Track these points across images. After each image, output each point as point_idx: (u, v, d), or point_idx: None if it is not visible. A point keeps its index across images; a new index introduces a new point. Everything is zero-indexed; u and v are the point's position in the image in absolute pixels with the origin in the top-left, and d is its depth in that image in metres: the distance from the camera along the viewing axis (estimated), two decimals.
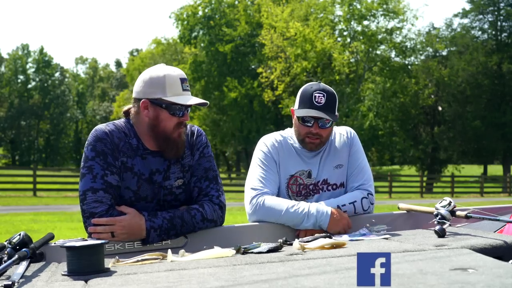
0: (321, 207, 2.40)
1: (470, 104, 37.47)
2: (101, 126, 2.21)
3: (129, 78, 47.90)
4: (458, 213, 2.17)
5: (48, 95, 59.64)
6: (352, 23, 31.50)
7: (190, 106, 2.19)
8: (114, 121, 2.27)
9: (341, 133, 2.68)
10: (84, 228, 2.16)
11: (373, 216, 2.52)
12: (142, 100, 2.17)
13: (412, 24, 38.39)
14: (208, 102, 2.26)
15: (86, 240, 1.90)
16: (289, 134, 2.66)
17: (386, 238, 2.14)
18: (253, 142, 37.07)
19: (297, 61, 29.01)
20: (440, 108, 40.14)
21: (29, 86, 60.28)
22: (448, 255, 1.66)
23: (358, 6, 30.81)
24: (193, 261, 1.82)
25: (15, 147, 59.61)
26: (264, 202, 2.44)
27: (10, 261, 1.64)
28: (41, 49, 61.29)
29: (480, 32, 40.81)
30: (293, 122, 2.61)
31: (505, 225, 2.38)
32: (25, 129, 60.18)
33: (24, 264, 1.74)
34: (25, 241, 1.85)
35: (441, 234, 2.06)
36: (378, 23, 31.17)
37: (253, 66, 36.46)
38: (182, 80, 2.18)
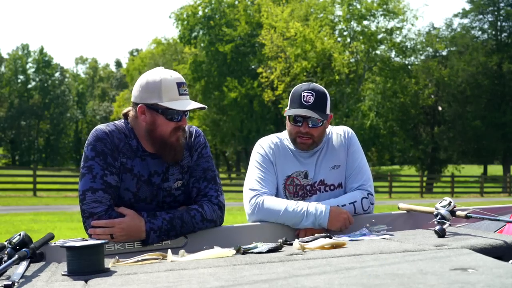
0: (319, 206, 2.40)
1: (470, 104, 37.48)
2: (101, 126, 2.21)
3: (129, 78, 47.91)
4: (458, 213, 2.17)
5: (48, 95, 59.65)
6: (352, 23, 31.50)
7: (187, 110, 2.19)
8: (115, 122, 2.27)
9: (338, 133, 2.67)
10: (84, 228, 2.16)
11: (373, 216, 2.52)
12: (139, 105, 2.17)
13: (412, 24, 38.39)
14: (206, 106, 2.26)
15: (86, 240, 1.90)
16: (286, 135, 2.68)
17: (386, 238, 2.14)
18: (253, 142, 36.51)
19: (297, 61, 29.02)
20: (440, 108, 40.15)
21: (29, 86, 60.30)
22: (448, 255, 1.66)
23: (358, 6, 30.82)
24: (193, 261, 1.82)
25: (15, 147, 59.63)
26: (263, 202, 2.45)
27: (10, 261, 1.64)
28: (41, 49, 61.32)
29: (480, 32, 40.82)
30: (286, 122, 2.62)
31: (505, 225, 2.38)
32: (25, 129, 60.19)
33: (24, 264, 1.74)
34: (25, 241, 1.85)
35: (441, 234, 2.06)
36: (378, 23, 31.19)
37: (253, 66, 36.47)
38: (179, 85, 2.17)
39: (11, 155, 60.18)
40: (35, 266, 1.84)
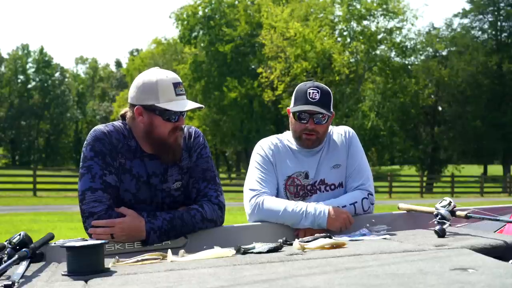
0: (319, 206, 2.40)
1: (470, 104, 37.49)
2: (100, 127, 2.21)
3: (129, 78, 47.92)
4: (458, 213, 2.17)
5: (48, 95, 59.66)
6: (351, 23, 31.51)
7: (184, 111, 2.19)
8: (113, 123, 2.27)
9: (339, 132, 2.68)
10: (84, 228, 2.16)
11: (373, 216, 2.52)
12: (136, 106, 2.17)
13: (412, 24, 38.33)
14: (203, 106, 2.25)
15: (86, 240, 1.91)
16: (287, 136, 2.69)
17: (386, 238, 2.14)
18: (253, 142, 36.58)
19: (297, 61, 29.03)
20: (440, 108, 40.16)
21: (29, 86, 60.31)
22: (448, 255, 1.66)
23: (358, 6, 30.82)
24: (193, 261, 1.82)
25: (15, 147, 59.64)
26: (263, 202, 2.45)
27: (10, 261, 1.64)
28: (41, 49, 61.34)
29: (480, 32, 40.84)
30: (290, 121, 2.63)
31: (505, 225, 2.38)
32: (25, 129, 60.20)
33: (24, 264, 1.74)
34: (25, 241, 1.85)
35: (441, 234, 2.06)
36: (377, 23, 31.19)
37: (253, 66, 36.47)
38: (176, 85, 2.17)
39: (11, 155, 60.19)
40: (35, 266, 1.84)
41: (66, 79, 66.72)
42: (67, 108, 61.83)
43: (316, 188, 2.58)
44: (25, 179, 22.87)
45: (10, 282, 1.48)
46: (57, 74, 63.95)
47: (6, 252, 1.79)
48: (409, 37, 32.06)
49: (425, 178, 29.85)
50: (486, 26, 40.52)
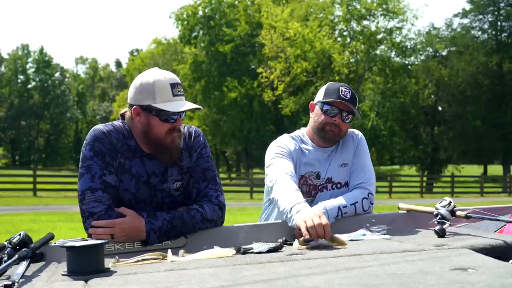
0: (299, 206, 2.28)
1: (470, 104, 37.48)
2: (99, 126, 2.21)
3: (129, 78, 47.93)
4: (458, 213, 2.17)
5: (48, 95, 59.67)
6: (351, 23, 31.51)
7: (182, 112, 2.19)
8: (113, 122, 2.26)
9: (349, 134, 2.74)
10: (84, 228, 2.15)
11: (373, 216, 2.52)
12: (134, 107, 2.17)
13: (412, 24, 38.29)
14: (201, 107, 2.25)
15: (86, 240, 1.90)
16: (300, 135, 2.72)
17: (386, 238, 2.14)
18: (253, 142, 37.16)
19: (297, 61, 29.03)
20: (440, 108, 40.16)
21: (29, 86, 60.32)
22: (448, 255, 1.66)
23: (358, 6, 30.81)
24: (193, 261, 1.82)
25: (15, 147, 59.65)
26: (277, 181, 2.44)
27: (10, 261, 1.64)
28: (41, 49, 61.34)
29: (480, 32, 40.83)
30: (313, 114, 2.65)
31: (505, 225, 2.38)
32: (25, 129, 60.21)
33: (24, 264, 1.74)
34: (25, 241, 1.85)
35: (441, 234, 2.06)
36: (377, 23, 31.18)
37: (253, 66, 36.47)
38: (173, 85, 2.16)
39: (11, 155, 60.19)
40: (35, 266, 1.84)
41: (66, 79, 66.73)
42: (67, 108, 61.84)
43: (323, 186, 2.62)
44: (25, 179, 22.87)
45: (10, 282, 1.48)
46: (57, 74, 63.96)
47: (6, 252, 1.79)
48: (409, 37, 32.07)
49: (425, 178, 29.85)
50: (486, 26, 40.51)
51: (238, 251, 1.93)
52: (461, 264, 1.48)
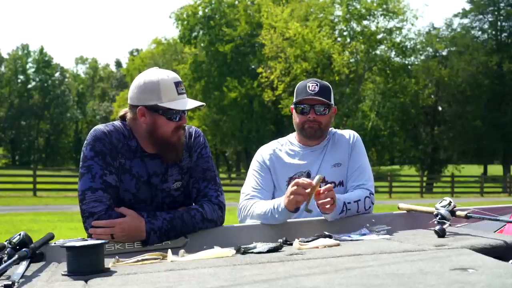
0: (278, 200, 2.38)
1: (470, 104, 37.50)
2: (100, 127, 2.21)
3: (129, 78, 47.94)
4: (458, 213, 2.17)
5: (48, 95, 59.68)
6: (351, 23, 31.51)
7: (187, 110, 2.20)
8: (113, 122, 2.26)
9: (343, 134, 2.74)
10: (84, 228, 2.15)
11: (373, 216, 2.52)
12: (139, 107, 2.17)
13: (412, 24, 38.33)
14: (204, 103, 2.26)
15: (86, 240, 1.90)
16: (289, 138, 2.78)
17: (386, 238, 2.14)
18: (253, 142, 37.10)
19: (297, 61, 29.03)
20: (440, 108, 40.16)
21: (29, 86, 60.33)
22: (448, 255, 1.66)
23: (358, 6, 30.82)
24: (193, 261, 1.82)
25: (15, 147, 59.65)
26: (251, 205, 2.52)
27: (10, 261, 1.64)
28: (41, 49, 61.34)
29: (480, 32, 40.85)
30: (293, 117, 2.72)
31: (505, 225, 2.38)
32: (25, 129, 60.21)
33: (24, 264, 1.74)
34: (25, 241, 1.85)
35: (441, 234, 2.06)
36: (377, 23, 31.19)
37: (253, 66, 36.47)
38: (177, 84, 2.17)
39: (11, 155, 60.19)
40: (35, 266, 1.84)
41: (66, 79, 66.74)
42: (67, 108, 61.84)
43: None
44: (25, 179, 22.87)
45: (10, 282, 1.48)
46: (57, 74, 63.96)
47: (6, 252, 1.79)
48: (409, 37, 32.08)
49: (425, 178, 29.86)
50: (486, 26, 40.53)
51: (238, 251, 1.93)
52: (461, 264, 1.48)
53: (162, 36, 64.20)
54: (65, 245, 1.69)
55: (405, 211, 2.59)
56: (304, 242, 2.01)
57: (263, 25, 32.12)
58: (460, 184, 32.00)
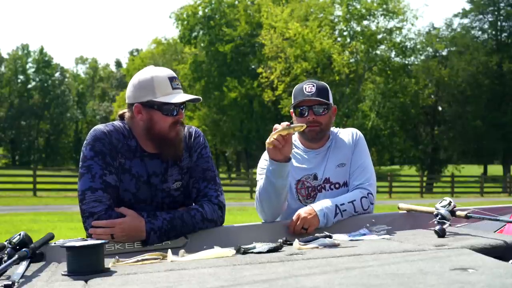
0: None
1: (470, 104, 37.49)
2: (100, 127, 2.21)
3: (129, 78, 47.84)
4: (458, 213, 2.17)
5: (48, 95, 59.67)
6: (351, 23, 31.51)
7: (183, 103, 2.19)
8: (113, 122, 2.26)
9: (346, 133, 2.72)
10: (84, 228, 2.15)
11: (373, 216, 2.52)
12: (135, 105, 2.17)
13: (412, 24, 38.32)
14: (200, 97, 2.26)
15: (86, 240, 1.90)
16: (293, 141, 2.73)
17: (386, 238, 2.14)
18: (253, 142, 37.14)
19: (297, 61, 29.03)
20: (440, 108, 40.16)
21: (29, 86, 60.32)
22: (448, 255, 1.66)
23: (358, 6, 30.82)
24: (193, 261, 1.82)
25: (15, 147, 59.64)
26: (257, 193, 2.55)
27: (10, 261, 1.64)
28: (41, 49, 61.34)
29: (480, 32, 40.84)
30: (293, 120, 2.68)
31: (505, 225, 2.38)
32: (25, 129, 60.20)
33: (24, 264, 1.74)
34: (25, 241, 1.85)
35: (441, 234, 2.06)
36: (377, 23, 31.19)
37: (253, 66, 36.47)
38: (171, 79, 2.18)
39: (11, 155, 60.18)
40: (35, 266, 1.84)
41: (66, 79, 66.73)
42: (67, 108, 61.84)
43: (321, 186, 2.62)
44: (25, 179, 22.86)
45: (10, 282, 1.48)
46: (57, 74, 63.96)
47: (6, 252, 1.78)
48: (409, 37, 32.08)
49: (425, 178, 29.84)
50: (486, 26, 40.52)
51: (238, 251, 1.93)
52: (461, 264, 1.48)
53: (162, 36, 64.27)
54: (65, 245, 1.69)
55: (405, 211, 2.59)
56: (304, 242, 2.00)
57: (263, 25, 32.12)
58: (460, 184, 31.99)
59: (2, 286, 1.46)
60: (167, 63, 42.28)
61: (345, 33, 32.47)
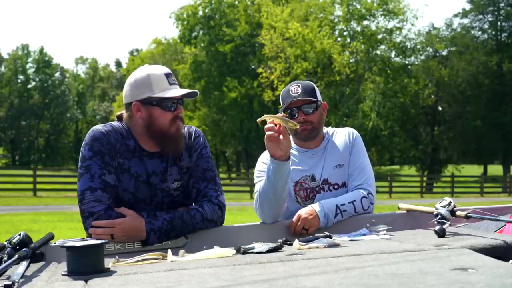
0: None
1: (470, 104, 37.49)
2: (98, 127, 2.22)
3: None
4: (458, 213, 2.17)
5: (48, 95, 59.67)
6: (351, 23, 31.52)
7: (181, 98, 2.20)
8: (112, 123, 2.27)
9: (343, 133, 2.71)
10: (84, 228, 2.15)
11: (373, 216, 2.52)
12: (133, 103, 2.18)
13: (412, 24, 38.35)
14: (197, 91, 2.26)
15: (86, 240, 1.90)
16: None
17: (386, 238, 2.14)
18: (253, 142, 37.12)
19: (297, 61, 29.03)
20: (440, 108, 40.16)
21: (29, 86, 60.31)
22: (448, 255, 1.66)
23: (358, 6, 30.83)
24: (193, 261, 1.82)
25: (15, 147, 59.64)
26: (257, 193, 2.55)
27: (10, 261, 1.64)
28: (41, 49, 61.33)
29: (480, 32, 40.85)
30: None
31: (505, 225, 2.38)
32: (25, 129, 60.20)
33: (24, 264, 1.74)
34: (25, 241, 1.84)
35: (441, 234, 2.06)
36: (378, 23, 31.20)
37: (253, 66, 36.47)
38: (167, 75, 2.19)
39: (11, 155, 60.18)
40: (35, 266, 1.84)
41: (66, 79, 66.72)
42: (67, 108, 61.83)
43: (320, 187, 2.61)
44: (25, 179, 22.86)
45: (10, 282, 1.48)
46: (57, 74, 63.95)
47: (6, 252, 1.78)
48: (409, 37, 32.09)
49: (425, 178, 29.84)
50: (486, 26, 40.53)
51: (238, 251, 1.93)
52: (461, 264, 1.47)
53: (162, 36, 64.28)
54: (65, 245, 1.69)
55: (405, 211, 2.59)
56: (304, 242, 2.00)
57: (263, 25, 32.12)
58: (460, 184, 31.99)
59: (2, 286, 1.46)
60: (167, 63, 42.27)
61: (345, 33, 32.48)
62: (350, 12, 30.91)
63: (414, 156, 39.24)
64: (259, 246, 1.94)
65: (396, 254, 1.73)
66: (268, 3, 33.19)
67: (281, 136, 2.31)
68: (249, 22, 36.20)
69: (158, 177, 2.23)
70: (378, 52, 31.81)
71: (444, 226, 2.10)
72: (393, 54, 32.33)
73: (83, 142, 2.19)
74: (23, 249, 1.76)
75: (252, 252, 1.91)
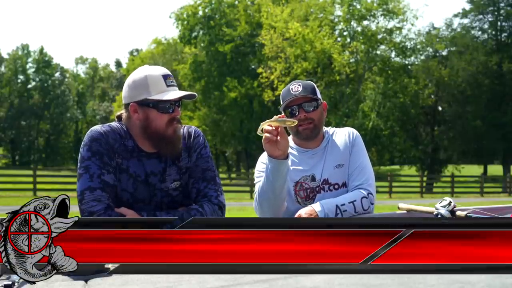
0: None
1: (470, 104, 37.48)
2: (97, 127, 2.22)
3: None
4: (458, 213, 2.17)
5: (48, 95, 59.64)
6: (352, 23, 31.53)
7: (178, 100, 2.20)
8: (110, 123, 2.27)
9: (342, 133, 2.70)
10: None
11: (373, 216, 2.51)
12: (130, 104, 2.18)
13: (412, 24, 38.34)
14: (195, 94, 2.26)
15: None
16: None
17: None
18: (253, 142, 37.13)
19: (297, 61, 29.03)
20: (440, 108, 40.16)
21: (29, 86, 60.28)
22: None
23: (358, 6, 30.84)
24: None
25: (15, 147, 59.62)
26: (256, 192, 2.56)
27: None
28: (41, 49, 61.30)
29: (480, 32, 40.83)
30: None
31: None
32: (25, 129, 60.19)
33: None
34: None
35: None
36: (378, 23, 31.21)
37: (253, 66, 36.47)
38: (165, 77, 2.18)
39: (11, 155, 60.16)
40: None
41: (66, 79, 66.69)
42: (67, 108, 61.81)
43: (320, 187, 2.61)
44: (25, 179, 22.84)
45: (10, 282, 1.48)
46: (57, 74, 63.92)
47: None
48: (409, 37, 32.09)
49: (425, 178, 29.82)
50: (486, 26, 40.51)
51: None
52: None
53: (162, 36, 64.22)
54: None
55: (405, 211, 2.59)
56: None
57: (263, 25, 32.12)
58: (460, 184, 31.97)
59: (2, 286, 1.45)
60: (167, 63, 42.27)
61: (345, 33, 32.48)
62: (350, 12, 30.91)
63: (414, 156, 39.24)
64: None
65: None
66: (268, 3, 33.19)
67: (278, 137, 2.31)
68: (249, 22, 36.21)
69: (156, 177, 2.23)
70: (378, 52, 31.81)
71: None
72: (393, 54, 32.34)
73: (82, 143, 2.20)
74: None
75: None
